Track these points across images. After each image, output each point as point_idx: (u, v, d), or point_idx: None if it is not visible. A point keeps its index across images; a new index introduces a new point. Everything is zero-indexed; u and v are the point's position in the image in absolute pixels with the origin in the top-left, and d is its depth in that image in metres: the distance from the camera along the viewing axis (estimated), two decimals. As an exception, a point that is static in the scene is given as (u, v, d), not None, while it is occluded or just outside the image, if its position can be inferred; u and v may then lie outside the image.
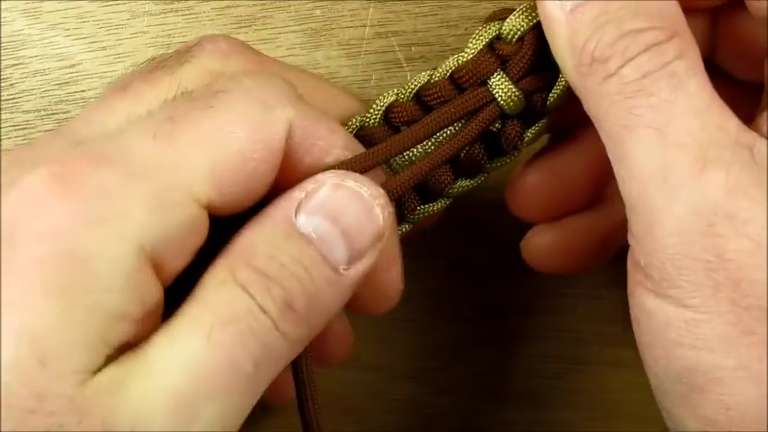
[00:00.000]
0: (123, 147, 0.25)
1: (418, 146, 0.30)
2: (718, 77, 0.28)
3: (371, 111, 0.31)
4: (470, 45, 0.30)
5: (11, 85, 0.40)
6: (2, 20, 0.40)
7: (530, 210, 0.35)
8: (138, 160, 0.25)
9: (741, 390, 0.25)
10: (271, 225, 0.25)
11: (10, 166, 0.26)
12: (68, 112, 0.40)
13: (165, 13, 0.40)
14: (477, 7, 0.41)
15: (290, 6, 0.41)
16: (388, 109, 0.31)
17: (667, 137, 0.25)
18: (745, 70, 0.31)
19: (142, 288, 0.24)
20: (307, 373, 0.29)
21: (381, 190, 0.27)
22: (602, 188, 0.34)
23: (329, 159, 0.27)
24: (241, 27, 0.40)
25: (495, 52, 0.30)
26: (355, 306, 0.29)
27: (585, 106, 0.27)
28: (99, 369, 0.23)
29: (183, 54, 0.30)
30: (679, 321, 0.25)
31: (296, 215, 0.25)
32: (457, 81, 0.30)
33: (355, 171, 0.27)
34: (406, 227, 0.32)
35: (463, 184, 0.32)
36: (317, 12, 0.41)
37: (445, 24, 0.40)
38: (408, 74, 0.40)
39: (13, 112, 0.40)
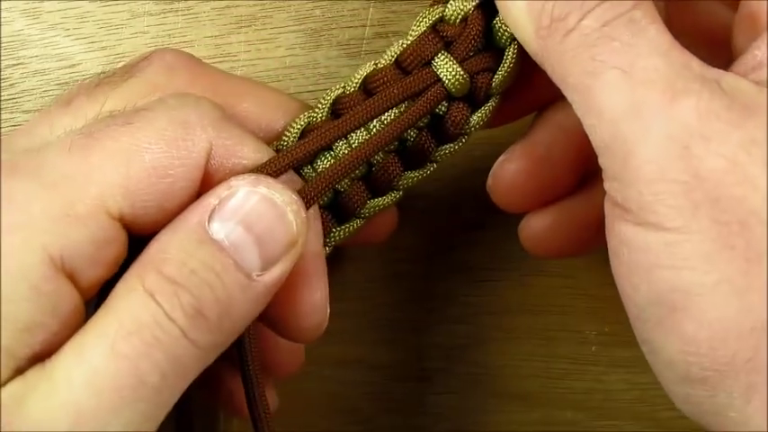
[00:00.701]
0: (40, 159, 0.25)
1: (361, 132, 0.30)
2: None
3: (318, 106, 0.30)
4: (414, 28, 0.30)
5: (11, 85, 0.40)
6: (2, 20, 0.40)
7: (515, 200, 0.35)
8: (51, 172, 0.25)
9: (722, 303, 0.24)
10: (183, 231, 0.25)
11: None
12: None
13: (165, 13, 0.40)
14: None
15: (290, 6, 0.41)
16: (336, 102, 0.30)
17: (634, 76, 0.25)
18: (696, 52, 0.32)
19: (53, 298, 0.24)
20: (254, 375, 0.29)
21: (294, 196, 0.26)
22: (588, 167, 0.34)
23: None
24: (241, 27, 0.40)
25: (440, 34, 0.30)
26: (279, 329, 0.29)
27: (550, 71, 0.27)
28: (5, 383, 0.23)
29: (129, 68, 0.30)
30: (659, 245, 0.25)
31: (209, 221, 0.25)
32: (402, 65, 0.30)
33: (270, 174, 0.27)
34: (357, 222, 0.31)
35: (412, 174, 0.31)
36: (317, 12, 0.41)
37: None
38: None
39: (13, 112, 0.40)
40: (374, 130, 0.29)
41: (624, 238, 0.26)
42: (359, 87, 0.30)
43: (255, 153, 0.27)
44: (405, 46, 0.30)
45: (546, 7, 0.26)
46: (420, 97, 0.29)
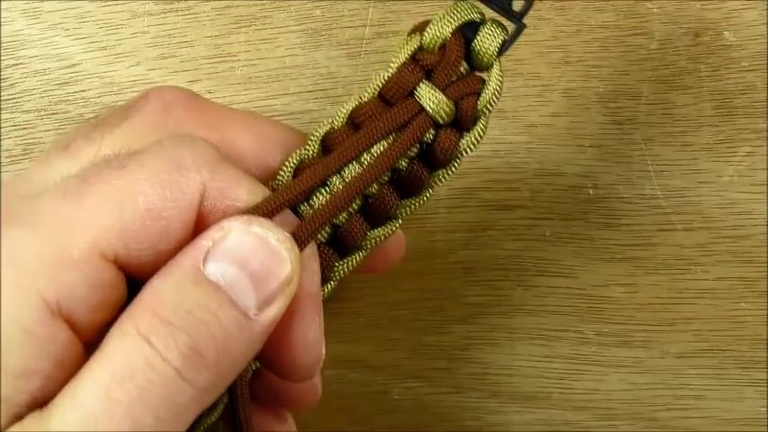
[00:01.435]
0: (34, 205, 0.25)
1: (353, 167, 0.30)
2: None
3: (309, 143, 0.30)
4: (393, 60, 0.30)
5: (11, 85, 0.40)
6: (2, 20, 0.40)
7: None
8: (45, 218, 0.25)
9: None
10: (178, 273, 0.25)
11: None
12: (68, 112, 0.40)
13: (164, 13, 0.40)
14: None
15: (290, 6, 0.40)
16: (325, 138, 0.30)
17: None
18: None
19: (49, 343, 0.24)
20: (243, 414, 0.29)
21: (287, 234, 0.26)
22: None
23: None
24: (241, 27, 0.40)
25: (419, 63, 0.30)
26: (273, 368, 0.29)
27: None
28: (5, 429, 0.23)
29: (127, 108, 0.30)
30: None
31: (204, 263, 0.25)
32: (385, 97, 0.30)
33: (263, 214, 0.27)
34: (359, 255, 0.31)
35: (409, 203, 0.31)
36: (317, 12, 0.41)
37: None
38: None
39: (13, 112, 0.40)
40: (365, 163, 0.29)
41: None
42: (346, 122, 0.30)
43: (250, 195, 0.27)
44: (386, 78, 0.30)
45: None
46: (406, 128, 0.29)
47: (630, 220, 0.41)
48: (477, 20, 0.29)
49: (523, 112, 0.41)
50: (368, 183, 0.29)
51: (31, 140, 0.40)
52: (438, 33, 0.29)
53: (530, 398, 0.42)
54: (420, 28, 0.30)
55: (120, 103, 0.31)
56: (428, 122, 0.29)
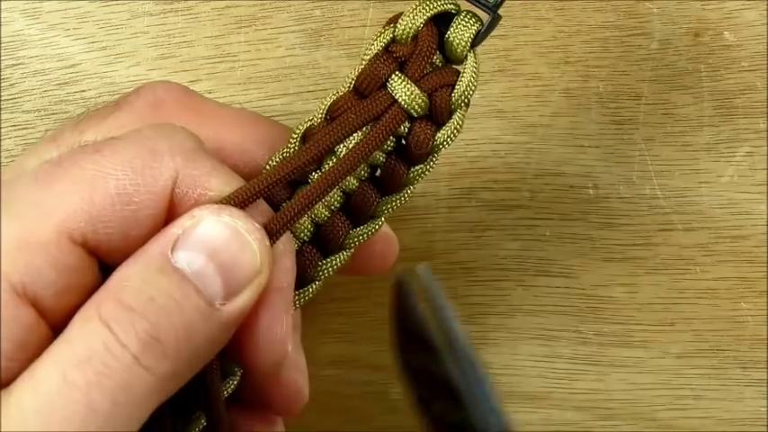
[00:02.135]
0: (10, 190, 0.26)
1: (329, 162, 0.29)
2: None
3: (290, 142, 0.30)
4: (366, 52, 0.30)
5: (11, 85, 0.40)
6: (2, 20, 0.40)
7: None
8: (17, 201, 0.25)
9: None
10: (145, 260, 0.25)
11: None
12: (68, 112, 0.40)
13: (165, 13, 0.40)
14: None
15: (290, 6, 0.40)
16: (306, 135, 0.30)
17: None
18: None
19: (12, 325, 0.24)
20: (219, 411, 0.29)
21: (257, 225, 0.26)
22: None
23: None
24: (241, 27, 0.40)
25: (393, 54, 0.29)
26: (240, 363, 0.29)
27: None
28: None
29: (117, 103, 0.30)
30: None
31: (172, 251, 0.25)
32: (359, 90, 0.29)
33: (236, 204, 0.26)
34: (343, 254, 0.30)
35: (390, 200, 0.30)
36: (317, 12, 0.41)
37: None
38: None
39: (13, 112, 0.40)
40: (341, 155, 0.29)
41: None
42: (324, 117, 0.30)
43: (224, 185, 0.27)
44: (359, 71, 0.29)
45: None
46: (379, 120, 0.29)
47: (630, 220, 0.41)
48: (451, 11, 0.29)
49: (523, 112, 0.41)
50: (343, 173, 0.28)
51: (31, 140, 0.40)
52: (410, 24, 0.29)
53: (530, 398, 0.42)
54: (394, 20, 0.29)
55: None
56: (402, 115, 0.29)
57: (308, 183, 0.29)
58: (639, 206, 0.41)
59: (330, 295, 0.41)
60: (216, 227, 0.26)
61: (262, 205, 0.28)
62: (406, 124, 0.29)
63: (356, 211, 0.30)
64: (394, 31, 0.29)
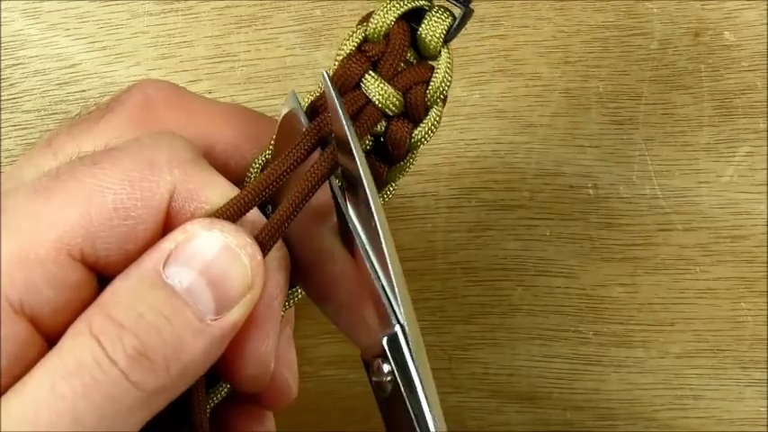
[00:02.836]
0: (7, 202, 0.25)
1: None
2: None
3: (270, 145, 0.30)
4: (339, 52, 0.29)
5: (11, 85, 0.40)
6: (2, 20, 0.40)
7: None
8: (14, 215, 0.25)
9: None
10: (136, 276, 0.25)
11: None
12: (68, 112, 0.40)
13: (165, 13, 0.40)
14: (477, 8, 0.40)
15: (290, 6, 0.41)
16: None
17: None
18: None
19: (12, 342, 0.24)
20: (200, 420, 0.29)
21: (248, 239, 0.26)
22: None
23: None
24: (241, 27, 0.40)
25: (365, 54, 0.29)
26: (221, 374, 0.29)
27: None
28: None
29: (109, 104, 0.30)
30: None
31: (164, 266, 0.25)
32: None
33: (228, 217, 0.26)
34: None
35: None
36: (317, 12, 0.41)
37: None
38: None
39: (13, 112, 0.40)
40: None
41: None
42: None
43: (221, 199, 0.27)
44: (332, 71, 0.29)
45: None
46: (354, 121, 0.29)
47: (630, 220, 0.41)
48: (423, 6, 0.29)
49: (523, 112, 0.41)
50: (325, 174, 0.28)
51: (31, 140, 0.40)
52: (382, 22, 0.29)
53: (530, 398, 0.42)
54: (365, 19, 0.29)
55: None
56: (377, 114, 0.29)
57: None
58: (639, 206, 0.41)
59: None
60: (207, 242, 0.26)
61: (253, 213, 0.27)
62: (383, 123, 0.29)
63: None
64: (366, 30, 0.29)
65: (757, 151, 0.41)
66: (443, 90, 0.29)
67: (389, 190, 0.30)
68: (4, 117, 0.40)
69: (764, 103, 0.41)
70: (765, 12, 0.41)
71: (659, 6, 0.41)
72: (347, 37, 0.29)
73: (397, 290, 0.27)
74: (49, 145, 0.29)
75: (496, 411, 0.42)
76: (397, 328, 0.26)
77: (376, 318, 0.27)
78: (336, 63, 0.29)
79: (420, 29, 0.29)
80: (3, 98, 0.40)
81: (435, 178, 0.41)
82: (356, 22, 0.29)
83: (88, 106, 0.30)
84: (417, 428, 0.26)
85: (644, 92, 0.41)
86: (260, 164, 0.30)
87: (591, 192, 0.41)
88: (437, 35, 0.29)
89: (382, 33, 0.29)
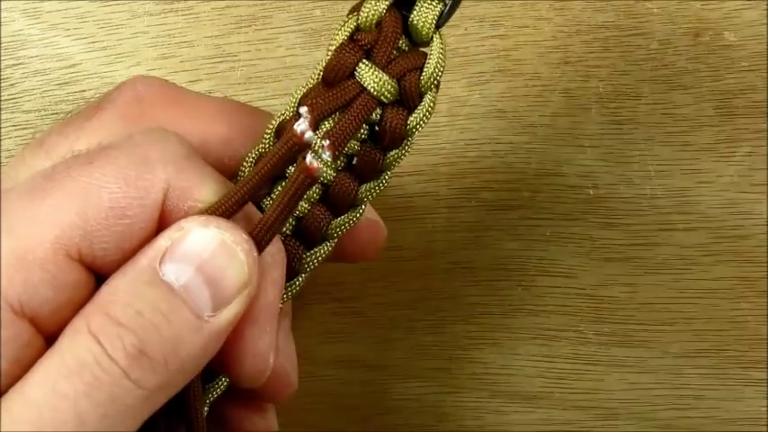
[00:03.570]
0: (3, 203, 0.25)
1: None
2: None
3: (264, 136, 0.30)
4: (331, 43, 0.29)
5: (11, 85, 0.40)
6: (2, 20, 0.40)
7: None
8: (9, 216, 0.25)
9: None
10: (133, 273, 0.25)
11: None
12: (69, 112, 0.40)
13: (165, 13, 0.40)
14: (477, 8, 0.41)
15: (290, 6, 0.41)
16: (278, 130, 0.30)
17: None
18: None
19: (12, 344, 0.24)
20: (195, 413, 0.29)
21: (244, 235, 0.26)
22: None
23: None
24: (241, 27, 0.40)
25: (358, 43, 0.29)
26: (219, 370, 0.29)
27: None
28: None
29: (100, 102, 0.30)
30: None
31: (160, 263, 0.25)
32: (328, 81, 0.29)
33: (223, 213, 0.26)
34: (327, 245, 0.30)
35: (368, 187, 0.30)
36: (317, 12, 0.41)
37: (446, 24, 0.40)
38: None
39: (13, 112, 0.40)
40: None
41: None
42: (295, 111, 0.30)
43: (215, 197, 0.27)
44: (325, 62, 0.29)
45: None
46: (350, 108, 0.29)
47: (630, 220, 0.41)
48: None
49: (523, 112, 0.41)
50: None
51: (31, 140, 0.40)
52: (373, 11, 0.29)
53: (530, 398, 0.42)
54: (357, 8, 0.29)
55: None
56: (372, 102, 0.29)
57: (286, 176, 0.29)
58: (639, 206, 0.41)
59: (330, 295, 0.41)
60: (203, 239, 0.26)
61: (248, 208, 0.27)
62: (378, 111, 0.29)
63: (336, 201, 0.30)
64: (357, 19, 0.29)
65: (757, 151, 0.41)
66: (437, 76, 0.29)
67: (386, 178, 0.30)
68: (4, 117, 0.40)
69: (764, 103, 0.41)
70: (765, 12, 0.41)
71: (659, 6, 0.41)
72: (339, 27, 0.29)
73: None
74: (41, 145, 0.29)
75: (496, 411, 0.42)
76: None
77: None
78: (329, 53, 0.29)
79: (411, 16, 0.29)
80: (3, 98, 0.40)
81: (435, 178, 0.41)
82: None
83: (80, 105, 0.29)
84: None
85: (644, 92, 0.41)
86: (254, 157, 0.30)
87: (591, 192, 0.41)
88: (429, 21, 0.29)
89: (374, 22, 0.29)
